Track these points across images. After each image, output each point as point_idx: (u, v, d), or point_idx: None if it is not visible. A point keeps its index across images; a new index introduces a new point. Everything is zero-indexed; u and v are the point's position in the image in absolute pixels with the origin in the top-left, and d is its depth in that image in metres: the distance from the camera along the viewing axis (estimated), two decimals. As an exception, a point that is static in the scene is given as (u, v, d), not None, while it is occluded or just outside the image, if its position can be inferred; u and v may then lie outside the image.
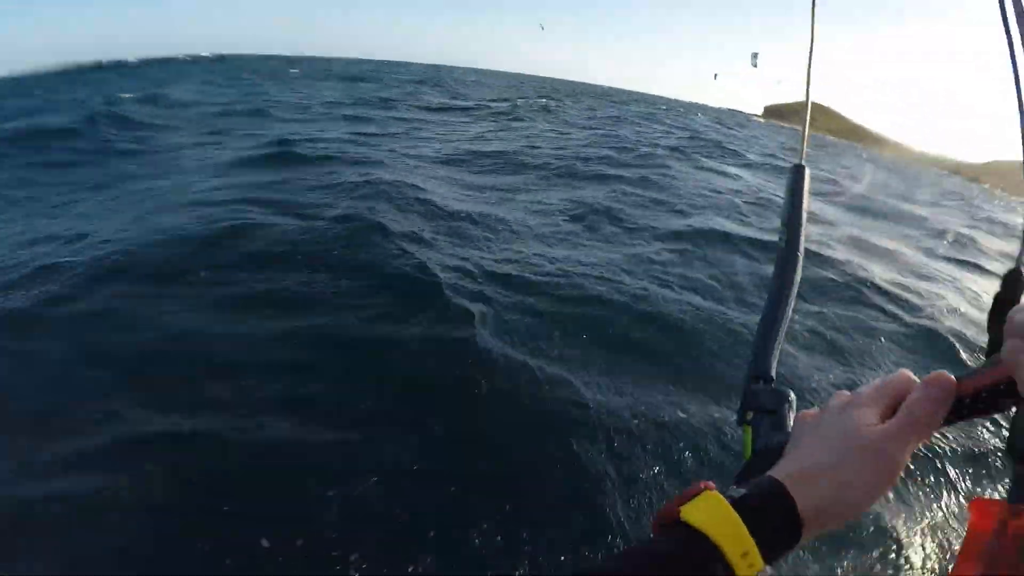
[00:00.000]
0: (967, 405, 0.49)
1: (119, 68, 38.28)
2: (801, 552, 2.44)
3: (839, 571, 2.57)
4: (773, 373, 0.74)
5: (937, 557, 2.81)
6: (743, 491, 0.47)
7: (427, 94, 27.72)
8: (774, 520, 0.46)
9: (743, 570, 0.42)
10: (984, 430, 3.78)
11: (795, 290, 0.79)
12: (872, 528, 2.81)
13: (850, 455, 0.48)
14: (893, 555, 2.73)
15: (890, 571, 2.70)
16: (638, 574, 0.43)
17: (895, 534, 2.81)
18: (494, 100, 28.24)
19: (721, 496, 0.46)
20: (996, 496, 2.68)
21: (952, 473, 3.38)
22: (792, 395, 0.70)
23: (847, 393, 0.55)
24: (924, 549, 2.82)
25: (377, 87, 29.35)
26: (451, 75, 56.79)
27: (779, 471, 0.49)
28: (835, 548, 2.64)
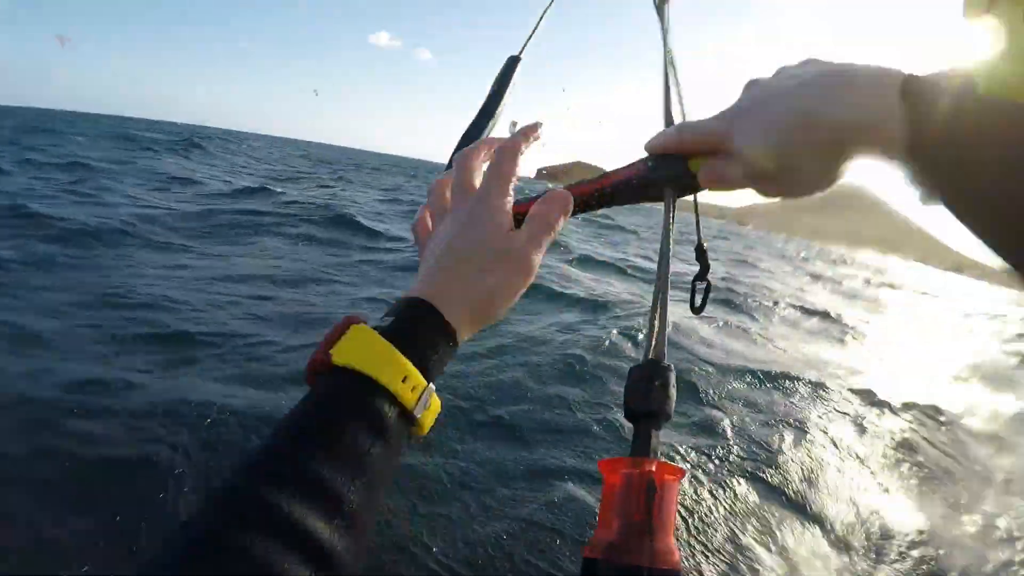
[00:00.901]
0: (580, 206, 0.61)
1: None
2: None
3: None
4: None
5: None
6: (390, 319, 0.46)
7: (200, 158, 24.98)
8: (427, 337, 0.46)
9: (407, 394, 0.42)
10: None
11: None
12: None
13: (496, 265, 0.50)
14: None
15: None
16: (300, 445, 0.37)
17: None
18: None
19: (368, 327, 0.44)
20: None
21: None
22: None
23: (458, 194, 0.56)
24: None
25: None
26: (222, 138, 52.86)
27: (422, 288, 0.49)
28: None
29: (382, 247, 9.25)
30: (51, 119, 46.19)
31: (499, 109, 0.82)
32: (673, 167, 0.58)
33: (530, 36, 0.89)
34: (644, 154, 0.59)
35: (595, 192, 0.62)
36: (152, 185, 12.66)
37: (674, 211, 0.59)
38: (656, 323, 0.53)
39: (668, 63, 0.72)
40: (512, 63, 0.87)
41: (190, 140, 31.69)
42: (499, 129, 0.80)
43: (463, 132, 0.79)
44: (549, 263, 9.43)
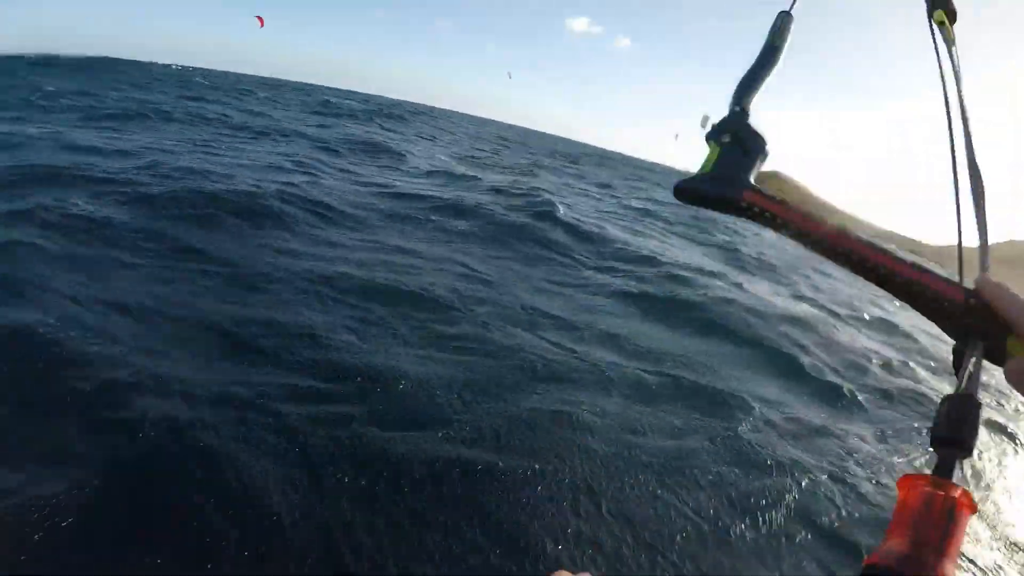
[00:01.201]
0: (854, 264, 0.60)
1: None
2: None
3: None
4: (751, 110, 0.73)
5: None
6: None
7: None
8: None
9: None
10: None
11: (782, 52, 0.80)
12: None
13: None
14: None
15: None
16: None
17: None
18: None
19: None
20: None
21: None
22: (767, 148, 0.70)
23: None
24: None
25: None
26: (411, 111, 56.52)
27: None
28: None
29: (592, 261, 9.10)
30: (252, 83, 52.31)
31: (774, 63, 0.78)
32: (990, 329, 0.53)
33: None
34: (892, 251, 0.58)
35: (886, 266, 0.58)
36: (361, 158, 14.53)
37: (979, 366, 0.54)
38: (972, 360, 0.53)
39: (953, 93, 0.66)
40: (784, 18, 0.82)
41: (388, 112, 34.46)
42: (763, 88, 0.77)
43: (740, 79, 0.76)
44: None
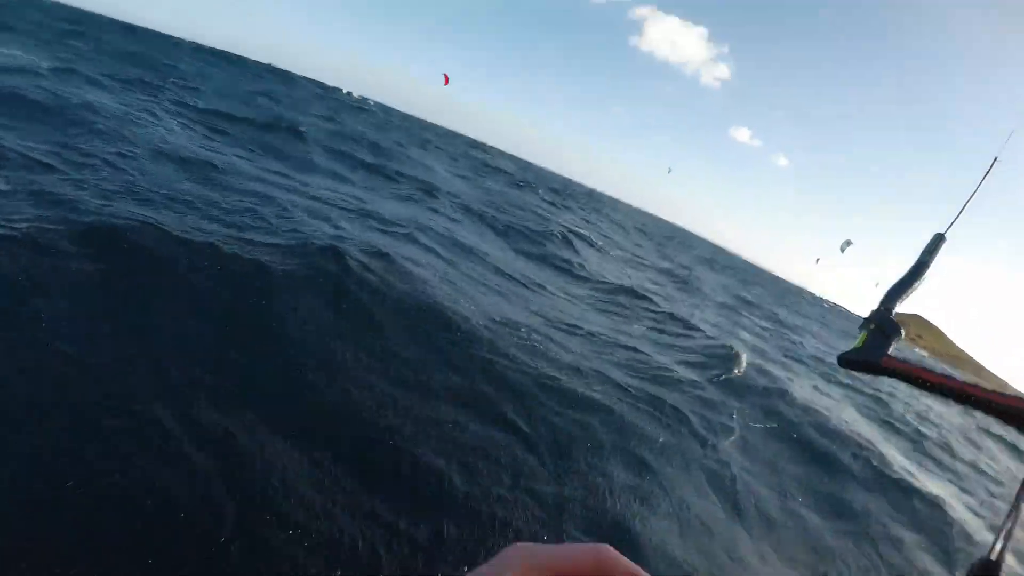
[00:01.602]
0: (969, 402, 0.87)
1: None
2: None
3: None
4: (894, 311, 1.07)
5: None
6: None
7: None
8: None
9: None
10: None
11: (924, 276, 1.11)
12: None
13: None
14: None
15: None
16: None
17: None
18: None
19: None
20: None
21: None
22: (903, 332, 1.02)
23: None
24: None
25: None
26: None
27: None
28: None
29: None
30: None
31: (921, 278, 1.10)
32: None
33: (957, 215, 1.10)
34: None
35: (970, 393, 0.84)
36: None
37: None
38: (1007, 527, 0.61)
39: None
40: (938, 240, 1.12)
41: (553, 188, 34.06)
42: (914, 295, 1.09)
43: (889, 289, 1.09)
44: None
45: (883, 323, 1.03)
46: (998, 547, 0.66)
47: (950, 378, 0.90)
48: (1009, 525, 0.65)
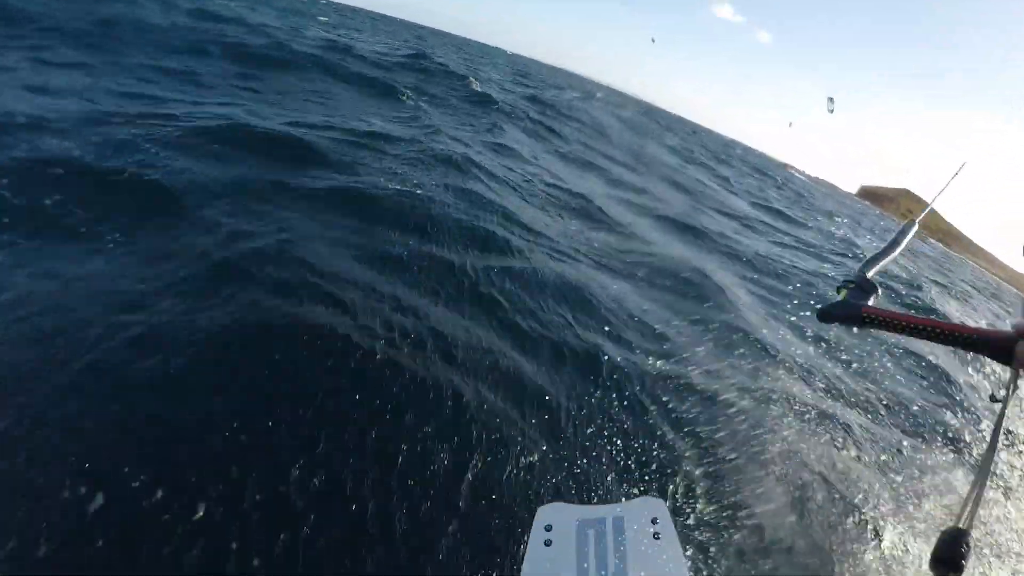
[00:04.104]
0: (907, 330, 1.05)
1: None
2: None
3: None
4: (870, 274, 1.21)
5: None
6: None
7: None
8: None
9: None
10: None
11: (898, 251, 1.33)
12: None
13: None
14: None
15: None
16: None
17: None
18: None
19: None
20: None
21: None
22: (879, 291, 1.18)
23: None
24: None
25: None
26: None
27: None
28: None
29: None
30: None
31: (892, 254, 1.26)
32: None
33: (927, 209, 1.25)
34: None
35: (946, 331, 0.96)
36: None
37: (1015, 389, 0.79)
38: (974, 494, 0.63)
39: None
40: (910, 226, 1.33)
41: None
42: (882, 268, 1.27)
43: (867, 258, 1.25)
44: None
45: (861, 283, 1.17)
46: (965, 515, 0.72)
47: (931, 320, 1.00)
48: (976, 493, 0.70)
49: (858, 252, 15.26)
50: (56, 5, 11.07)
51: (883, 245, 1.28)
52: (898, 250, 1.28)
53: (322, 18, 31.92)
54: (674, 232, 9.28)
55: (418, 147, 7.94)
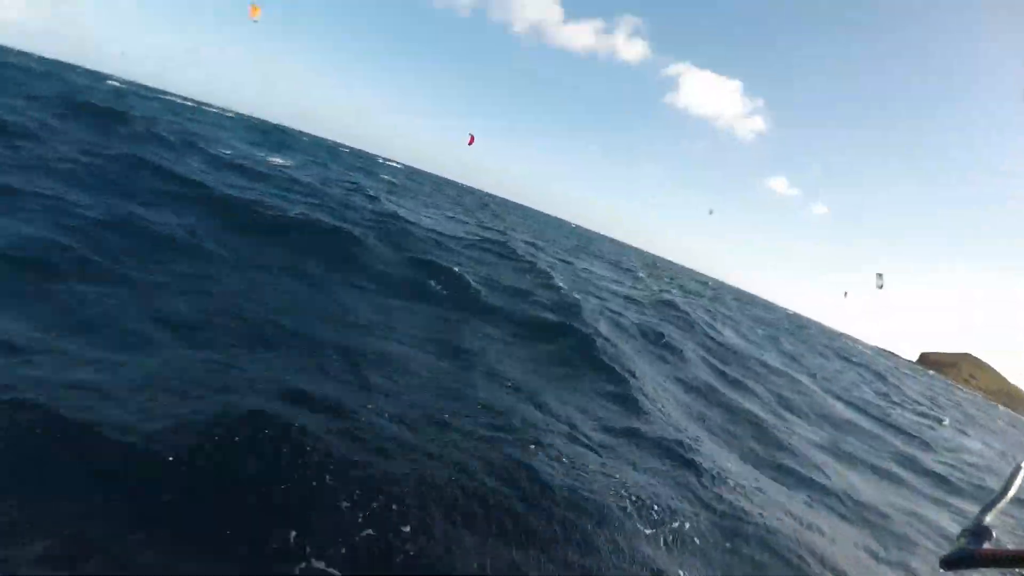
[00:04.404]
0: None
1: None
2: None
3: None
4: (986, 521, 1.25)
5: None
6: None
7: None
8: None
9: None
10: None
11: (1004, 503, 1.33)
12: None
13: None
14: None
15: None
16: None
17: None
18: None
19: None
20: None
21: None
22: (993, 534, 1.22)
23: None
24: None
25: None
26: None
27: None
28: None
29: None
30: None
31: (1005, 498, 1.29)
32: None
33: None
34: None
35: None
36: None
37: None
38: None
39: None
40: (1018, 469, 1.33)
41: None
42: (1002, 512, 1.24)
43: (981, 507, 1.29)
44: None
45: (976, 529, 1.22)
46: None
47: None
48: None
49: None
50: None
51: (995, 492, 1.32)
52: (1010, 494, 1.32)
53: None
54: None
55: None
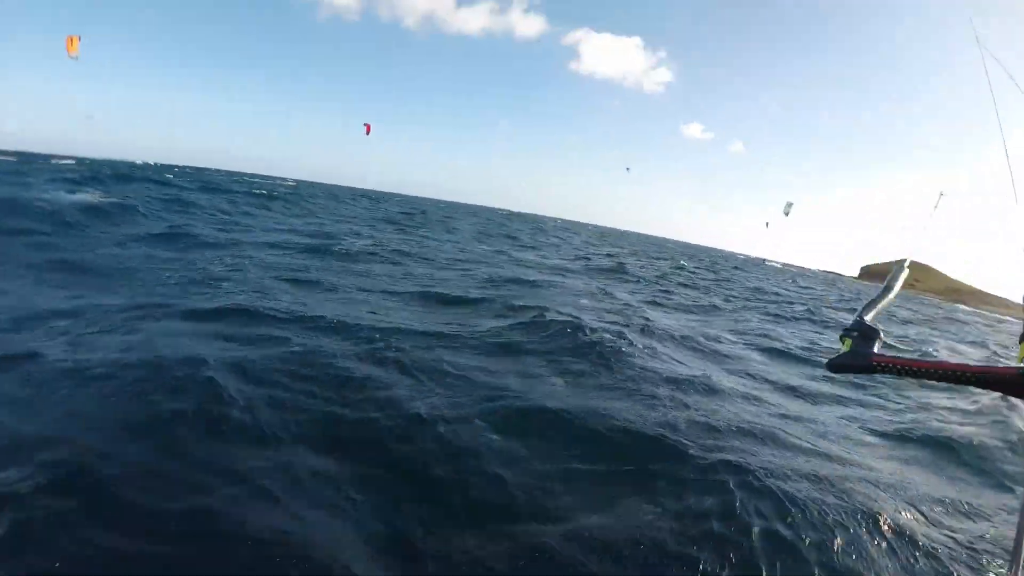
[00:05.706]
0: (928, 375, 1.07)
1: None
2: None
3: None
4: (868, 319, 1.24)
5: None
6: None
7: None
8: None
9: None
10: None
11: (893, 294, 1.36)
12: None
13: None
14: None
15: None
16: None
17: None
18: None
19: None
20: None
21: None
22: (882, 334, 1.20)
23: None
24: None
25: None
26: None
27: None
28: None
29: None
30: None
31: (888, 297, 1.31)
32: None
33: (914, 249, 1.31)
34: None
35: (953, 371, 0.99)
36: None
37: None
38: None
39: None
40: (901, 267, 1.37)
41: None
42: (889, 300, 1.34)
43: (864, 304, 1.30)
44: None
45: (864, 329, 1.21)
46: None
47: (940, 362, 1.04)
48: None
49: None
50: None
51: (878, 291, 1.32)
52: (893, 293, 1.31)
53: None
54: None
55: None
